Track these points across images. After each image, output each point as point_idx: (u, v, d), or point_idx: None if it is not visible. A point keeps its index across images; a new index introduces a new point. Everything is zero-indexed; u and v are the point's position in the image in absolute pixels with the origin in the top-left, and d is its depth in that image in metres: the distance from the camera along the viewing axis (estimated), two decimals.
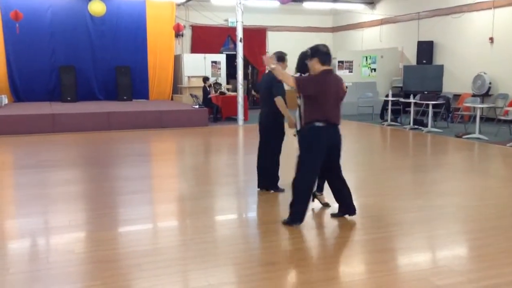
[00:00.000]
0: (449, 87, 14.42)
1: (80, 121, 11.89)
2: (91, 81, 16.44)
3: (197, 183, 6.74)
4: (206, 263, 3.79)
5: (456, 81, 14.39)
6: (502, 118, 11.22)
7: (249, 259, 3.90)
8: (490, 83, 13.15)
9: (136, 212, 5.24)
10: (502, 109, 12.09)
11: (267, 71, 5.61)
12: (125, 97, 16.28)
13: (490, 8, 13.33)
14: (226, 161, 8.73)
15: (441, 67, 14.72)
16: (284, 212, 4.90)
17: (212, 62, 17.05)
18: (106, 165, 8.04)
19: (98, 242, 4.27)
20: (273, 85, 5.43)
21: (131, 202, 5.64)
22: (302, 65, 4.99)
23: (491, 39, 13.35)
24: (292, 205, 4.67)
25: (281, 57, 5.53)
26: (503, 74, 13.01)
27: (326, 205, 5.28)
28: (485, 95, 13.19)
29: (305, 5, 17.93)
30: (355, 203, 4.91)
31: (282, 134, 5.73)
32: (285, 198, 5.74)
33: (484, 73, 13.23)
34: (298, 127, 5.02)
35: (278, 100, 5.44)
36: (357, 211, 4.88)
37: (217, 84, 14.76)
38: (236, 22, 13.54)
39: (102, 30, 16.25)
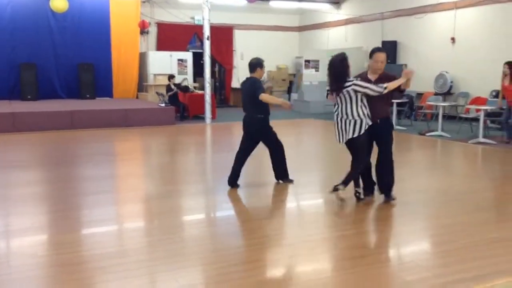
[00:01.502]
0: (412, 86, 14.52)
1: (42, 120, 11.52)
2: (53, 78, 15.94)
3: (164, 182, 6.64)
4: (175, 264, 3.72)
5: (419, 80, 14.66)
6: (464, 116, 11.55)
7: (219, 259, 3.85)
8: (451, 82, 13.52)
9: (101, 213, 5.11)
10: (463, 107, 12.43)
11: (247, 77, 5.91)
12: (88, 95, 15.88)
13: (452, 9, 13.69)
14: (194, 160, 8.65)
15: (404, 67, 15.01)
16: (253, 210, 4.88)
17: (179, 60, 16.86)
18: (70, 165, 7.82)
19: (62, 245, 4.13)
20: (255, 89, 5.68)
21: (96, 203, 5.50)
22: (342, 72, 5.02)
23: (453, 39, 13.71)
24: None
25: (259, 64, 5.81)
26: (464, 73, 13.39)
27: (342, 200, 5.24)
28: (447, 94, 13.54)
29: (272, 4, 17.96)
30: (323, 200, 4.93)
31: (271, 131, 6.01)
32: (255, 197, 5.74)
33: (446, 72, 13.58)
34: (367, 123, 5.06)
35: (263, 96, 5.64)
36: (327, 209, 4.91)
37: (184, 87, 14.59)
38: (203, 19, 13.44)
39: (64, 26, 15.77)
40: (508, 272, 3.54)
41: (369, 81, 5.07)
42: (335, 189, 5.11)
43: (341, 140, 5.17)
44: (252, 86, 5.74)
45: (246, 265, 3.78)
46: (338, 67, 5.01)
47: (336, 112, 5.13)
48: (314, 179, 6.90)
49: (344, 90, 4.95)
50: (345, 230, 4.55)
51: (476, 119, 10.74)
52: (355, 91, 4.94)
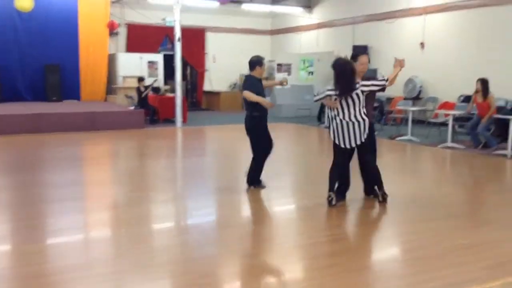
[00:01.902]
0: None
1: (6, 124, 11.11)
2: (17, 80, 15.42)
3: (133, 189, 6.46)
4: (143, 275, 3.59)
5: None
6: (432, 120, 11.72)
7: (189, 270, 3.74)
8: (420, 86, 13.73)
9: (67, 221, 4.91)
10: (432, 112, 12.64)
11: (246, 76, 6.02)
12: (54, 98, 15.44)
13: (421, 14, 13.92)
14: (164, 165, 8.46)
15: (375, 71, 15.16)
16: (224, 218, 4.78)
17: (149, 62, 16.60)
18: (34, 170, 7.54)
19: (25, 256, 3.94)
20: (244, 86, 5.80)
21: (61, 211, 5.29)
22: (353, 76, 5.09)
23: (422, 44, 13.94)
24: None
25: (258, 62, 5.83)
26: (433, 78, 13.62)
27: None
28: (416, 98, 13.74)
29: (244, 6, 17.91)
30: (293, 206, 4.87)
31: (263, 133, 6.01)
32: (226, 204, 5.63)
33: (415, 77, 13.79)
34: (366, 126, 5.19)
35: (245, 93, 5.69)
36: (299, 215, 4.85)
37: (155, 88, 14.37)
38: (174, 21, 13.26)
39: (30, 26, 15.29)
40: (479, 279, 3.54)
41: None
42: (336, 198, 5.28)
43: (352, 144, 5.20)
44: (244, 84, 5.83)
45: (217, 276, 3.67)
46: (349, 71, 5.05)
47: (339, 117, 5.16)
48: (287, 184, 6.84)
49: (354, 93, 5.05)
50: (315, 238, 4.49)
51: (445, 124, 10.92)
52: (363, 92, 5.11)
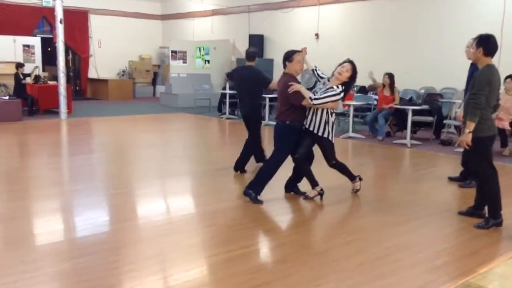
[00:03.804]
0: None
1: None
2: None
3: (12, 197, 5.37)
4: None
5: None
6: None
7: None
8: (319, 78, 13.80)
9: None
10: None
11: (243, 66, 6.49)
12: None
13: (316, 5, 13.98)
14: (49, 165, 7.28)
15: (271, 61, 15.01)
16: (127, 233, 4.05)
17: (24, 46, 14.74)
18: None
19: None
20: (262, 78, 6.23)
21: None
22: None
23: (317, 35, 14.03)
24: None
25: (257, 53, 6.45)
26: (329, 69, 13.67)
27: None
28: (313, 89, 13.79)
29: None
30: (204, 209, 4.30)
31: (260, 122, 6.51)
32: (131, 215, 4.87)
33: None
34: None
35: (274, 84, 6.08)
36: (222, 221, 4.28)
37: (36, 77, 12.74)
38: (54, 0, 11.78)
39: None
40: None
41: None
42: (306, 197, 5.25)
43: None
44: (254, 74, 6.19)
45: None
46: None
47: (335, 116, 5.17)
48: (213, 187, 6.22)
49: None
50: (239, 250, 3.97)
51: (343, 114, 11.04)
52: None
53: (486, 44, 4.36)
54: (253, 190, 5.08)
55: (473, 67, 5.55)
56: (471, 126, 4.30)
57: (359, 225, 4.52)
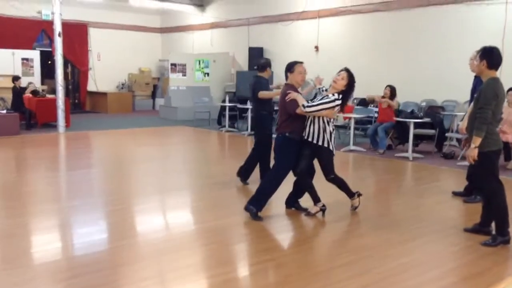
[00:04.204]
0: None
1: None
2: None
3: (9, 214, 5.26)
4: None
5: None
6: None
7: None
8: (317, 91, 13.73)
9: None
10: None
11: (254, 75, 6.34)
12: None
13: (316, 18, 13.97)
14: (47, 180, 7.17)
15: (271, 74, 14.93)
16: (123, 252, 3.93)
17: (23, 59, 14.72)
18: None
19: None
20: (256, 87, 6.16)
21: None
22: None
23: (317, 47, 14.00)
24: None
25: (268, 64, 6.37)
26: (327, 82, 13.65)
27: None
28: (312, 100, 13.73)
29: (132, 2, 16.69)
30: (203, 226, 4.17)
31: (267, 131, 6.26)
32: (123, 232, 4.75)
33: (311, 80, 13.75)
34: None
35: (261, 94, 6.10)
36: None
37: (34, 91, 12.69)
38: (53, 14, 11.77)
39: None
40: None
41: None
42: (308, 213, 5.12)
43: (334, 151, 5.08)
44: (255, 85, 6.18)
45: None
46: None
47: (332, 126, 5.01)
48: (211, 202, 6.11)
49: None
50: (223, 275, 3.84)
51: (343, 127, 10.95)
52: None
53: (490, 56, 4.29)
54: (254, 206, 4.97)
55: (477, 79, 5.47)
56: (477, 141, 4.20)
57: (362, 243, 4.39)
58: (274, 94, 6.14)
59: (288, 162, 5.02)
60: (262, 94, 6.13)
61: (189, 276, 3.66)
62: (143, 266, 3.81)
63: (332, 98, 4.82)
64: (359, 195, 5.35)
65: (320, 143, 4.92)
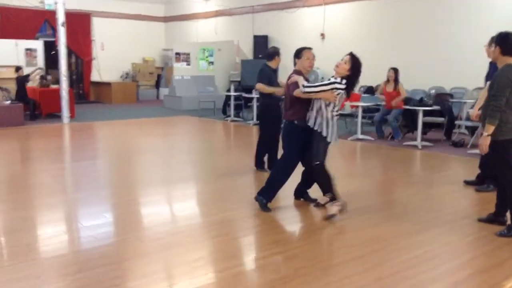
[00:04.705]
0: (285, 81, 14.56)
1: None
2: None
3: (13, 207, 5.18)
4: None
5: None
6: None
7: None
8: (322, 78, 13.56)
9: None
10: None
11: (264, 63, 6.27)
12: None
13: (321, 5, 13.75)
14: (51, 171, 7.08)
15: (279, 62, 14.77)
16: (127, 247, 3.85)
17: (27, 49, 14.59)
18: None
19: None
20: (257, 77, 6.12)
21: None
22: None
23: (323, 35, 13.79)
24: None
25: (276, 52, 6.16)
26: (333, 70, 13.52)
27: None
28: None
29: None
30: (210, 218, 4.07)
31: (273, 119, 6.21)
32: (131, 225, 4.67)
33: (317, 68, 13.60)
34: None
35: (258, 86, 6.09)
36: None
37: (43, 78, 12.62)
38: (55, 3, 11.63)
39: None
40: None
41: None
42: (317, 204, 5.00)
43: (333, 140, 4.75)
44: (258, 75, 6.13)
45: None
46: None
47: (334, 112, 4.66)
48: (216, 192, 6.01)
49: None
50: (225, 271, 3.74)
51: (351, 115, 10.80)
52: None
53: (504, 42, 4.14)
54: (264, 196, 4.87)
55: (493, 65, 5.32)
56: (490, 129, 4.08)
57: (374, 235, 4.28)
58: (271, 90, 6.01)
59: (296, 150, 4.89)
60: (259, 86, 6.11)
61: (197, 270, 3.56)
62: (150, 260, 3.72)
63: (332, 80, 4.64)
64: (343, 207, 4.72)
65: (311, 125, 4.69)
